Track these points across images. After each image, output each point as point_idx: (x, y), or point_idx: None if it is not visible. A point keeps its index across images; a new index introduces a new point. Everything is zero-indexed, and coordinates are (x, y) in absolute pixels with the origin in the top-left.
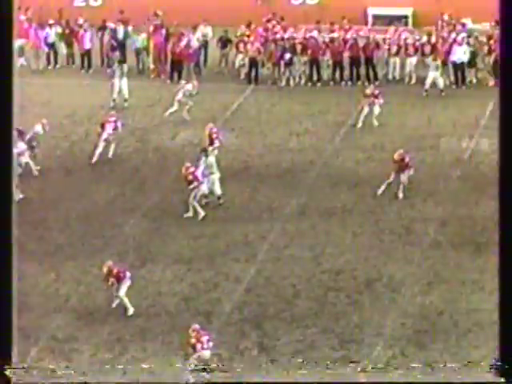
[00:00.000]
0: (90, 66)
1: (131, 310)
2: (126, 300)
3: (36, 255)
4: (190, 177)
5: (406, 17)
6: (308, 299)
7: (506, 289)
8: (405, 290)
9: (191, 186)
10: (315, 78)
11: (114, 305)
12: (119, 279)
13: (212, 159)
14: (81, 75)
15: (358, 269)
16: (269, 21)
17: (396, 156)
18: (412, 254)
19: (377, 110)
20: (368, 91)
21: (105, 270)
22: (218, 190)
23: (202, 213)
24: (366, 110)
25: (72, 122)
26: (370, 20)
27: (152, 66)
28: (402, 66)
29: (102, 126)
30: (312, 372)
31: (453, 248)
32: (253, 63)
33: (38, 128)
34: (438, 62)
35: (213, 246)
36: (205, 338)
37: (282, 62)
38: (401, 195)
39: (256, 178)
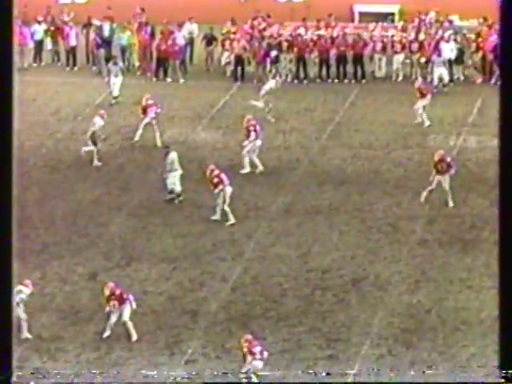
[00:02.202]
0: (75, 63)
1: (135, 336)
2: (130, 324)
3: (21, 254)
4: (216, 179)
5: (392, 14)
6: (295, 298)
7: (506, 292)
8: (392, 288)
9: (217, 190)
10: (302, 75)
11: (111, 324)
12: (121, 302)
13: (174, 156)
14: (66, 73)
15: (344, 267)
16: (255, 18)
17: (436, 157)
18: (399, 252)
19: (424, 102)
20: (417, 87)
21: (106, 292)
22: (177, 188)
23: (232, 219)
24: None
25: (57, 119)
26: (357, 17)
27: (137, 64)
28: (389, 63)
29: (144, 112)
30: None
31: (440, 246)
32: (239, 61)
33: (97, 120)
34: (442, 58)
35: (199, 245)
36: (257, 349)
37: (268, 60)
38: (451, 203)
39: (242, 176)
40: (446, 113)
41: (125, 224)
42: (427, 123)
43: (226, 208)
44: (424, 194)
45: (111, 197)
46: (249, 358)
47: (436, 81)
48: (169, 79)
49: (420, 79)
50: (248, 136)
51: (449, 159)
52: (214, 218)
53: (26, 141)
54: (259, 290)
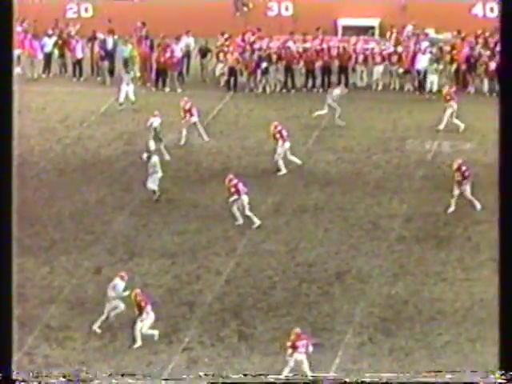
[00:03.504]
0: (81, 74)
1: (138, 343)
2: (138, 334)
3: (32, 250)
4: (233, 189)
5: (373, 27)
6: (283, 290)
7: (506, 292)
8: (372, 281)
9: (232, 199)
10: (289, 85)
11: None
12: (140, 309)
13: (156, 159)
14: (73, 83)
15: (329, 262)
16: (246, 32)
17: (455, 165)
18: (379, 248)
19: (452, 109)
20: (445, 93)
21: (132, 296)
22: (154, 186)
23: (241, 220)
24: (449, 110)
25: (65, 126)
26: (340, 31)
27: (138, 75)
28: (370, 73)
29: (190, 112)
30: None
31: (417, 242)
32: (232, 72)
33: (153, 120)
34: (435, 65)
35: (195, 241)
36: (301, 343)
37: (259, 71)
38: (478, 206)
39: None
40: (422, 119)
41: (127, 222)
42: (461, 126)
43: (249, 213)
44: (452, 205)
45: (114, 197)
46: (289, 350)
47: (428, 88)
48: (167, 89)
49: (448, 86)
50: (277, 142)
51: (464, 168)
52: (237, 223)
53: (36, 146)
54: (251, 283)
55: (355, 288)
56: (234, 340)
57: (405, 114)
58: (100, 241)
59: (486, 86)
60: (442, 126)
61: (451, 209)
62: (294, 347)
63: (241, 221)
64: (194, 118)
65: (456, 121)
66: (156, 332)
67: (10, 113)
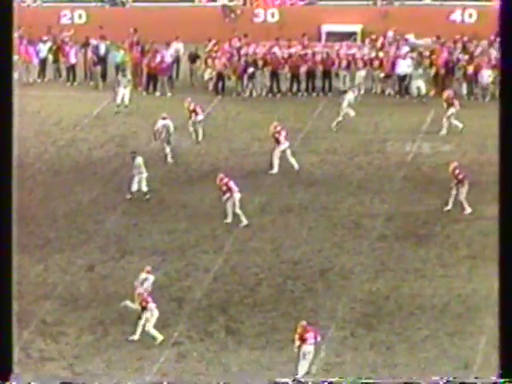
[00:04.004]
0: (74, 79)
1: (135, 337)
2: (139, 329)
3: (27, 248)
4: (224, 187)
5: (355, 33)
6: (269, 287)
7: (506, 294)
8: (354, 277)
9: (225, 197)
10: (275, 89)
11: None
12: (144, 307)
13: (140, 161)
14: (67, 87)
15: (313, 259)
16: (233, 38)
17: (451, 168)
18: (361, 245)
19: (453, 110)
20: (445, 96)
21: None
22: (144, 188)
23: (244, 221)
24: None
25: (59, 129)
26: (324, 37)
27: (130, 79)
28: (353, 78)
29: (195, 112)
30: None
31: (397, 240)
32: (220, 76)
33: (164, 123)
34: (421, 71)
35: (184, 240)
36: (309, 335)
37: (246, 76)
38: (468, 210)
39: None
40: (402, 122)
41: (119, 221)
42: (460, 126)
43: (238, 211)
44: (450, 201)
45: (107, 197)
46: (297, 342)
47: (414, 93)
48: (158, 93)
49: (448, 90)
50: (278, 142)
51: (458, 171)
52: (226, 221)
53: (32, 148)
54: (237, 280)
55: (338, 284)
56: (221, 335)
57: (386, 117)
58: (93, 239)
59: (464, 90)
60: (444, 131)
61: (448, 207)
62: (303, 339)
63: (230, 219)
64: (200, 117)
65: (447, 122)
66: (161, 337)
67: (10, 116)
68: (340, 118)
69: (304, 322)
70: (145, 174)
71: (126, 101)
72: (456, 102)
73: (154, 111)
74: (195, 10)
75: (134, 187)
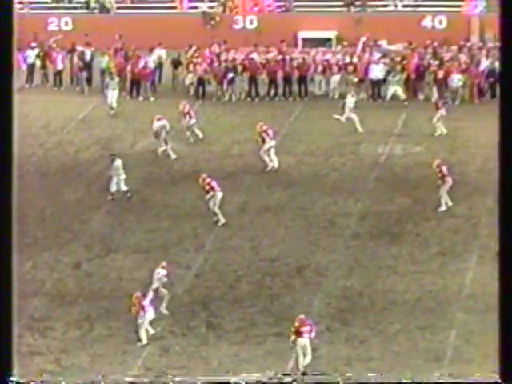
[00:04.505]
0: (61, 84)
1: (144, 341)
2: (143, 331)
3: (16, 247)
4: (207, 187)
5: (330, 39)
6: (248, 283)
7: (506, 295)
8: (330, 274)
9: (208, 196)
10: (253, 93)
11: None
12: (143, 308)
13: (119, 163)
14: (54, 92)
15: (290, 257)
16: (213, 44)
17: (434, 165)
18: (335, 243)
19: (441, 114)
20: (434, 100)
21: (134, 300)
22: (123, 187)
23: (222, 220)
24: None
25: (46, 132)
26: (300, 43)
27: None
28: (328, 83)
29: (189, 115)
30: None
31: (370, 238)
32: (200, 81)
33: (161, 123)
34: (398, 77)
35: (166, 238)
36: (305, 329)
37: (226, 81)
38: (443, 208)
39: None
40: (375, 124)
41: (103, 221)
42: (438, 132)
43: (217, 210)
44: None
45: (92, 198)
46: (293, 337)
47: (389, 97)
48: (141, 97)
49: (436, 95)
50: (263, 140)
51: (440, 168)
52: (215, 219)
53: (20, 150)
54: (218, 277)
55: (314, 281)
56: (202, 330)
57: (359, 121)
58: (79, 238)
59: (434, 94)
60: (438, 133)
61: (448, 204)
62: (299, 333)
63: (217, 219)
64: (193, 121)
65: (441, 126)
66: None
67: (10, 120)
68: (343, 119)
69: (302, 316)
70: (123, 176)
71: (114, 103)
72: (443, 107)
73: (138, 115)
74: (177, 18)
75: (113, 188)
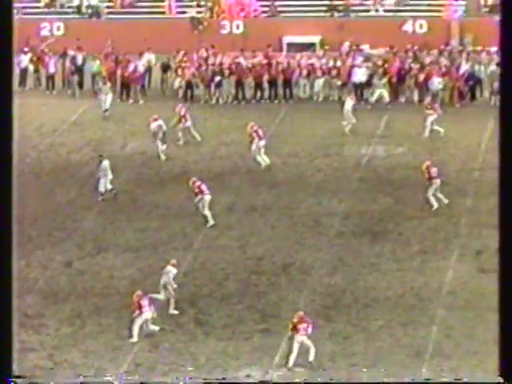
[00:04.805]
0: (53, 87)
1: (134, 339)
2: (136, 329)
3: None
4: (197, 189)
5: (314, 44)
6: (235, 281)
7: (506, 297)
8: (314, 272)
9: (197, 198)
10: (240, 97)
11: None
12: (140, 308)
13: (106, 163)
14: (46, 95)
15: (276, 255)
16: (200, 49)
17: (423, 166)
18: (320, 242)
19: (433, 117)
20: (426, 104)
21: (134, 298)
22: (109, 186)
23: (211, 222)
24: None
25: (39, 134)
26: (285, 47)
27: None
28: (312, 86)
29: (185, 118)
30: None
31: (354, 237)
32: (188, 85)
33: (157, 123)
34: (384, 80)
35: (156, 238)
36: (302, 326)
37: (213, 84)
38: (435, 206)
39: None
40: (358, 126)
41: (95, 220)
42: (426, 134)
43: (206, 212)
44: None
45: (83, 198)
46: (290, 333)
47: (373, 100)
48: (131, 100)
49: (428, 98)
50: (252, 140)
51: (429, 170)
52: (209, 225)
53: (14, 152)
54: (206, 275)
55: (299, 279)
56: (191, 326)
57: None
58: (71, 237)
59: (415, 96)
60: (426, 134)
61: (435, 207)
62: (296, 329)
63: (211, 222)
64: (188, 123)
65: (428, 128)
66: (156, 328)
67: (10, 122)
68: (347, 125)
69: (301, 313)
70: (110, 176)
71: (107, 105)
72: (435, 109)
73: (128, 118)
74: (165, 23)
75: (102, 188)
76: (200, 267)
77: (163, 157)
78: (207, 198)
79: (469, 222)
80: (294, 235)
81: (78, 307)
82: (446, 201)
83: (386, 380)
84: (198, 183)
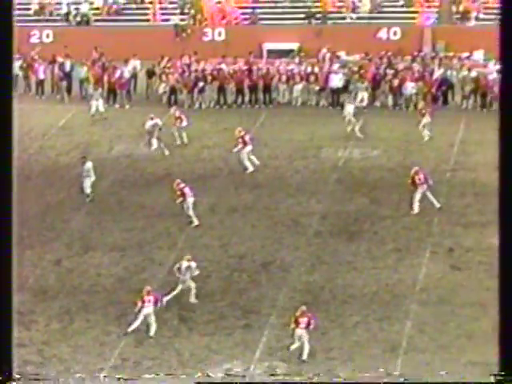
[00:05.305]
0: (43, 93)
1: (129, 328)
2: (138, 322)
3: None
4: (179, 192)
5: (292, 51)
6: (217, 279)
7: (506, 297)
8: (293, 270)
9: (179, 200)
10: (222, 102)
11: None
12: (143, 302)
13: (89, 165)
14: (36, 101)
15: (256, 254)
16: (184, 55)
17: (412, 172)
18: (299, 241)
19: (426, 120)
20: (420, 108)
21: (144, 291)
22: (87, 190)
23: (195, 222)
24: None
25: (29, 138)
26: (265, 54)
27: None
28: (291, 91)
29: (180, 119)
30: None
31: (331, 236)
32: (172, 90)
33: (153, 122)
34: (366, 83)
35: (141, 237)
36: (303, 319)
37: (196, 89)
38: (415, 210)
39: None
40: (335, 130)
41: (83, 221)
42: (426, 138)
43: (191, 213)
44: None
45: (72, 199)
46: (292, 325)
47: (358, 101)
48: (117, 105)
49: (422, 102)
50: (243, 145)
51: (417, 177)
52: (193, 225)
53: (13, 156)
54: None
55: (279, 276)
56: (175, 322)
57: (320, 126)
58: (60, 237)
59: (390, 101)
60: (426, 138)
61: (414, 211)
62: (297, 323)
63: (196, 223)
64: (184, 123)
65: (425, 132)
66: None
67: (9, 126)
68: (356, 125)
69: (304, 307)
70: (93, 178)
71: (101, 109)
72: (428, 114)
73: (114, 122)
74: (150, 30)
75: (87, 190)
76: None
77: (167, 152)
78: (190, 200)
79: (441, 221)
80: (273, 234)
81: (67, 304)
82: (437, 205)
83: (385, 380)
84: (182, 186)
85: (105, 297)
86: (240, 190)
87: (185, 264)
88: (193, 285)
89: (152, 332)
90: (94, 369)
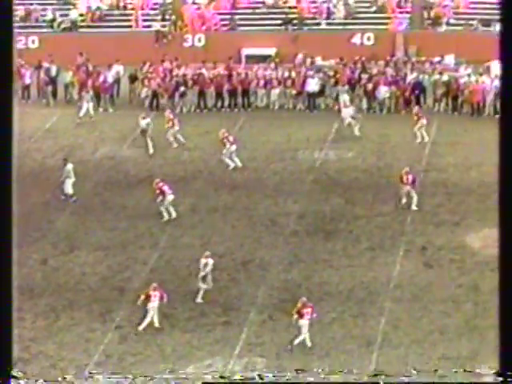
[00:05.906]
0: (29, 97)
1: (141, 326)
2: (147, 319)
3: None
4: (158, 191)
5: (270, 56)
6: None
7: (506, 298)
8: (272, 268)
9: (159, 198)
10: (202, 106)
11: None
12: (148, 297)
13: (70, 167)
14: (22, 105)
15: (236, 253)
16: (165, 60)
17: (402, 172)
18: (277, 240)
19: (421, 123)
20: (415, 111)
21: (150, 287)
22: (70, 190)
23: (166, 216)
24: (419, 124)
25: (16, 141)
26: (244, 59)
27: (76, 97)
28: (268, 95)
29: (173, 122)
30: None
31: (308, 235)
32: (154, 95)
33: (146, 121)
34: (347, 87)
35: (124, 237)
36: (306, 311)
37: (177, 94)
38: (413, 207)
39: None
40: (311, 133)
41: (68, 221)
42: (426, 139)
43: (163, 209)
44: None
45: (57, 200)
46: (295, 316)
47: (341, 103)
48: (101, 109)
49: (416, 107)
50: (224, 145)
51: (404, 177)
52: (163, 220)
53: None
54: (171, 271)
55: (258, 274)
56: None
57: (297, 129)
58: (46, 236)
59: (364, 104)
60: (419, 140)
61: (403, 201)
62: (300, 314)
63: (166, 218)
64: (176, 128)
65: (424, 133)
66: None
67: (10, 128)
68: (356, 130)
69: (304, 299)
70: (73, 179)
71: (91, 112)
72: (423, 117)
73: (98, 125)
74: (132, 36)
75: (69, 190)
76: (165, 264)
77: (151, 150)
78: (169, 198)
79: (414, 220)
80: (252, 234)
81: (53, 302)
82: (414, 207)
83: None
84: (161, 184)
85: (89, 295)
86: (220, 191)
87: (203, 261)
88: (210, 285)
89: (157, 323)
90: (79, 364)
